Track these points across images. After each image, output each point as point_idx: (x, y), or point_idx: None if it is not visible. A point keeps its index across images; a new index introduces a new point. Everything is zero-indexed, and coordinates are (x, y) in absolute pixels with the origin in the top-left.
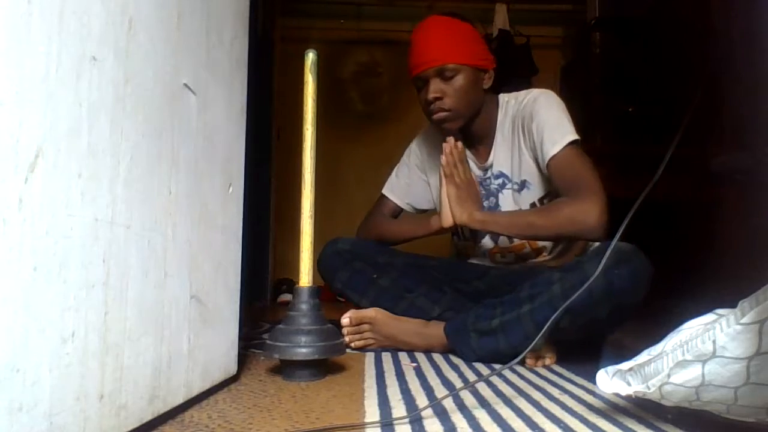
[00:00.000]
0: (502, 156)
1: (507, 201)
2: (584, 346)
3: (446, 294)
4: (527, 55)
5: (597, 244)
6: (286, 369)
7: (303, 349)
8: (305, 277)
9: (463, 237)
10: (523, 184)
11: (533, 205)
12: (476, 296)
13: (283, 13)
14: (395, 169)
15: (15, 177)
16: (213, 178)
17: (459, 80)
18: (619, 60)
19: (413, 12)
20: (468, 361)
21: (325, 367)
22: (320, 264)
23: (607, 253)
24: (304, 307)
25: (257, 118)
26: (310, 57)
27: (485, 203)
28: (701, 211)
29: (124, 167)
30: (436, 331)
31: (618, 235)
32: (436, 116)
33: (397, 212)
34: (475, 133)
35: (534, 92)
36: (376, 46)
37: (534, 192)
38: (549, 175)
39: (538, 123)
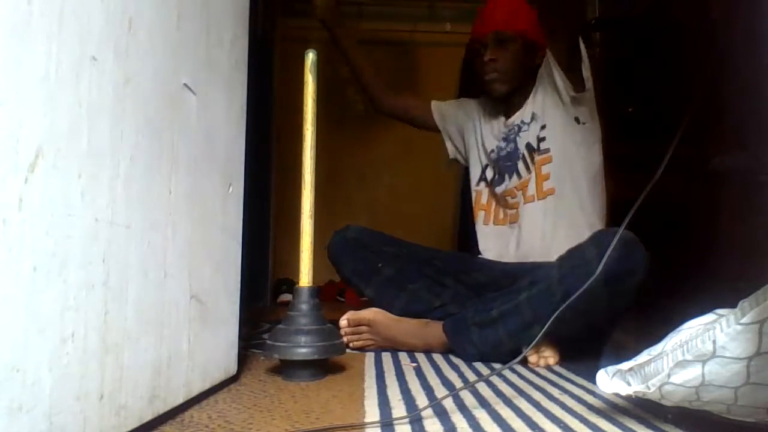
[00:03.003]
0: (526, 111)
1: (522, 142)
2: (585, 345)
3: (448, 288)
4: None
5: (595, 231)
6: (286, 369)
7: (303, 349)
8: (305, 277)
9: (486, 182)
10: (532, 117)
11: (537, 137)
12: (478, 289)
13: (283, 13)
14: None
15: (15, 177)
16: (213, 178)
17: (513, 47)
18: (619, 60)
19: (413, 12)
20: (468, 360)
21: (325, 367)
22: (329, 251)
23: (608, 252)
24: (304, 307)
25: (257, 118)
26: (310, 57)
27: (506, 148)
28: (701, 210)
29: (124, 167)
30: (435, 331)
31: (618, 236)
32: (488, 76)
33: (426, 110)
34: (511, 102)
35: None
36: (376, 46)
37: (536, 124)
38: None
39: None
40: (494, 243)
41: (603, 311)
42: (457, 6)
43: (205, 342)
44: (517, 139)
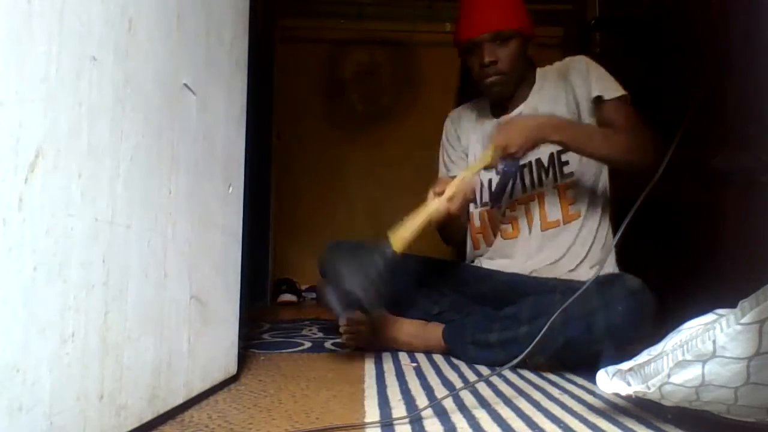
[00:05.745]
0: (528, 109)
1: (544, 151)
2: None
3: (446, 296)
4: None
5: (605, 272)
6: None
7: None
8: None
9: (484, 204)
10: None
11: (551, 155)
12: (478, 299)
13: (283, 13)
14: (440, 155)
15: (15, 177)
16: (213, 178)
17: (512, 45)
18: (619, 60)
19: (413, 12)
20: (467, 364)
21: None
22: (322, 267)
23: (615, 242)
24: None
25: (257, 118)
26: None
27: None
28: (701, 211)
29: (124, 167)
30: (434, 334)
31: (618, 237)
32: (489, 80)
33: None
34: (512, 98)
35: (576, 57)
36: (376, 46)
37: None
38: (599, 113)
39: (591, 71)
40: (499, 255)
41: (603, 352)
42: (457, 6)
43: (205, 342)
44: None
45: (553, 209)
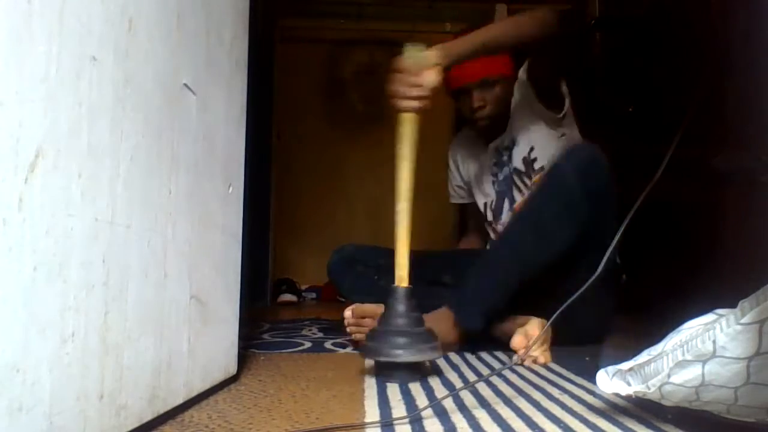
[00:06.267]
0: (507, 137)
1: (511, 167)
2: (584, 336)
3: (448, 285)
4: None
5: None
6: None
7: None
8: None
9: (489, 223)
10: (513, 141)
11: (523, 159)
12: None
13: (283, 13)
14: (449, 180)
15: (15, 177)
16: (213, 178)
17: (498, 89)
18: (619, 60)
19: (413, 12)
20: (474, 326)
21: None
22: (329, 272)
23: (615, 242)
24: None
25: (257, 118)
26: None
27: (500, 174)
28: (701, 211)
29: (124, 167)
30: (442, 324)
31: (618, 236)
32: (480, 122)
33: (470, 212)
34: (493, 128)
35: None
36: (376, 46)
37: (521, 148)
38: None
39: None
40: None
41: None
42: (457, 6)
43: (205, 342)
44: (508, 165)
45: None
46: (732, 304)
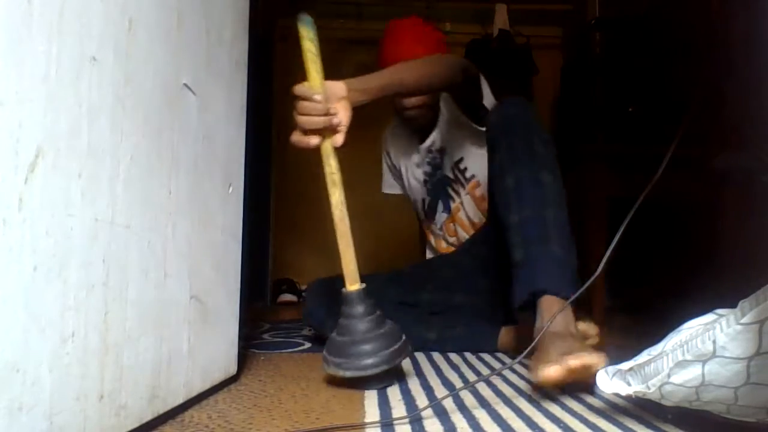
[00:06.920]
0: (435, 139)
1: (447, 167)
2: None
3: (424, 302)
4: (527, 56)
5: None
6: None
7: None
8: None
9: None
10: (442, 149)
11: (453, 167)
12: (449, 283)
13: (283, 13)
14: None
15: (15, 177)
16: (213, 178)
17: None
18: (619, 60)
19: (413, 12)
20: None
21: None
22: (304, 311)
23: (614, 242)
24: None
25: (257, 118)
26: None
27: (433, 177)
28: (701, 211)
29: (124, 167)
30: (568, 316)
31: (618, 236)
32: (409, 114)
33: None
34: (423, 127)
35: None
36: (376, 46)
37: (450, 156)
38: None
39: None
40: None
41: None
42: (457, 6)
43: (205, 342)
44: (440, 169)
45: (474, 212)
46: (732, 304)
